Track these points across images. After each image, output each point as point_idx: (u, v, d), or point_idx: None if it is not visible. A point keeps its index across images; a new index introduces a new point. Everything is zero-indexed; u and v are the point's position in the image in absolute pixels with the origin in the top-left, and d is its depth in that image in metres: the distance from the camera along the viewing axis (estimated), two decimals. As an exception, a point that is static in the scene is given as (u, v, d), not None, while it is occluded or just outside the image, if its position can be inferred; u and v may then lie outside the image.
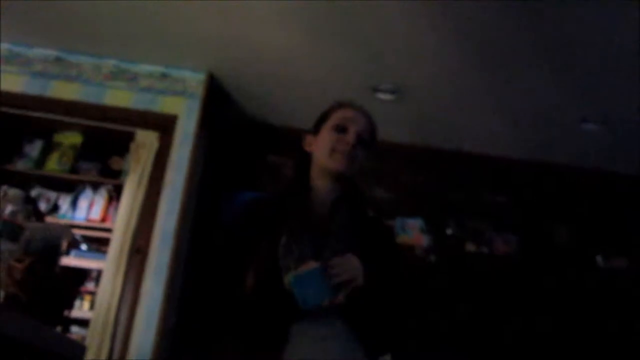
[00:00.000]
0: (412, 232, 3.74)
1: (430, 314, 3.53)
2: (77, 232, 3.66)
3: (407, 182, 4.13)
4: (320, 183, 1.50)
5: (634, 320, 3.69)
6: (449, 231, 3.86)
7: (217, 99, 3.66)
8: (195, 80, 3.52)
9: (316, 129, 1.56)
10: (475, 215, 4.02)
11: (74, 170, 3.92)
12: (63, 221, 3.70)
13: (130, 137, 3.52)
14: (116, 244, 3.21)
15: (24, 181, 3.76)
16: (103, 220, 3.81)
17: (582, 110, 3.57)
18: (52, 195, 3.93)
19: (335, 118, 1.53)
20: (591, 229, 4.05)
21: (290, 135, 4.06)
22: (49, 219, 3.48)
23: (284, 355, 1.29)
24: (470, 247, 3.80)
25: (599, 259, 3.83)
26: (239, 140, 4.02)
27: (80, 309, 3.60)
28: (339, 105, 1.58)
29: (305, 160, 1.55)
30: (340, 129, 1.50)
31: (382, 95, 3.55)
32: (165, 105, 3.46)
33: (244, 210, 1.52)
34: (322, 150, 1.50)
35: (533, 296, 3.74)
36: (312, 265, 1.27)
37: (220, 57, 3.38)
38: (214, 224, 3.55)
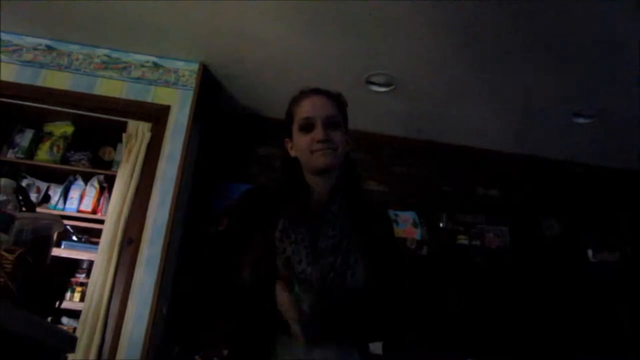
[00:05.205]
0: (405, 224, 3.75)
1: (422, 306, 3.55)
2: (68, 223, 3.63)
3: (400, 174, 4.13)
4: (313, 179, 1.49)
5: (624, 312, 3.73)
6: (441, 224, 3.87)
7: (210, 90, 3.64)
8: (188, 70, 3.50)
9: (289, 133, 1.53)
10: (467, 209, 4.03)
11: (64, 160, 3.88)
12: (54, 212, 3.67)
13: (122, 127, 3.49)
14: (108, 234, 3.19)
15: (14, 171, 3.73)
16: (94, 211, 3.78)
17: (574, 104, 3.58)
18: (43, 185, 3.90)
19: (298, 117, 1.48)
20: (583, 223, 4.08)
21: (283, 127, 4.06)
22: (40, 210, 3.44)
23: (277, 344, 1.30)
24: (463, 240, 3.82)
25: (590, 252, 3.86)
26: (232, 131, 4.01)
27: (71, 300, 3.58)
28: (297, 99, 1.53)
29: (293, 164, 1.52)
30: (307, 127, 1.46)
31: (375, 88, 3.55)
32: (158, 95, 3.43)
33: (242, 199, 1.52)
34: (302, 153, 1.47)
35: (525, 289, 3.76)
36: None
37: (213, 48, 3.36)
38: (207, 214, 3.54)
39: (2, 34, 3.35)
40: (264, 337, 1.32)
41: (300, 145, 1.47)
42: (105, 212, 3.53)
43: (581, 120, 3.72)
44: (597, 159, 4.25)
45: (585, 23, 2.82)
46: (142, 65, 3.48)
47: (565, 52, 3.07)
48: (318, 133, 1.43)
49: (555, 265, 3.82)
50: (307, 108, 1.48)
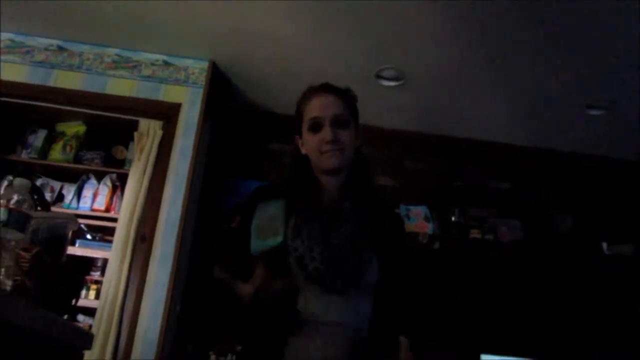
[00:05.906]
0: (417, 219, 3.73)
1: (434, 301, 3.54)
2: (82, 222, 3.66)
3: (411, 169, 4.12)
4: (323, 177, 1.49)
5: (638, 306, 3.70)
6: (453, 218, 3.85)
7: (220, 87, 3.65)
8: (197, 68, 3.51)
9: (299, 130, 1.53)
10: (479, 203, 4.01)
11: (77, 159, 3.92)
12: (68, 211, 3.71)
13: (133, 126, 3.51)
14: (121, 232, 3.21)
15: (28, 171, 3.77)
16: (107, 209, 3.81)
17: (587, 96, 3.54)
18: (57, 185, 3.94)
19: (307, 116, 1.49)
20: (597, 216, 4.04)
21: (293, 124, 4.06)
22: (54, 209, 3.48)
23: (290, 342, 1.30)
24: (475, 234, 3.80)
25: (604, 245, 3.82)
26: (242, 128, 4.01)
27: (87, 297, 3.62)
28: (305, 97, 1.53)
29: (303, 161, 1.52)
30: (315, 127, 1.46)
31: (385, 82, 3.54)
32: (168, 93, 3.45)
33: (253, 196, 1.52)
34: (311, 152, 1.48)
35: (538, 283, 3.74)
36: None
37: (223, 45, 3.36)
38: (218, 212, 3.56)
39: (14, 35, 3.39)
40: (276, 333, 1.32)
41: (309, 144, 1.48)
42: (119, 210, 3.56)
43: (594, 112, 3.68)
44: (611, 151, 4.20)
45: (598, 14, 2.79)
46: (152, 64, 3.50)
47: (577, 43, 3.04)
48: (326, 134, 1.43)
49: (569, 258, 3.79)
50: (315, 107, 1.48)
